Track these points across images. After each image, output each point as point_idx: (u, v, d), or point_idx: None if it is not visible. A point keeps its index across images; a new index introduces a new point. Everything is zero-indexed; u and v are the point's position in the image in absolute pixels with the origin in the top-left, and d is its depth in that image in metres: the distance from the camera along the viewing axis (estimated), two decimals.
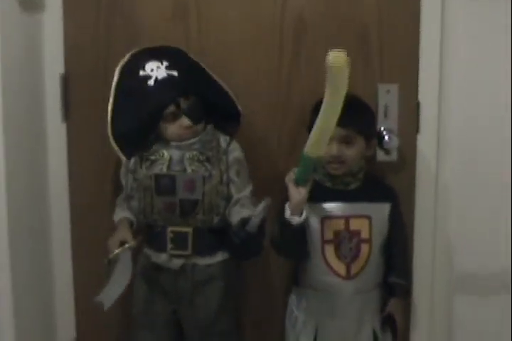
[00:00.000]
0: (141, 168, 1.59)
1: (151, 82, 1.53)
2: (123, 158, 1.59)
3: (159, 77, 1.53)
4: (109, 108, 1.58)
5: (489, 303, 1.83)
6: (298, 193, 1.50)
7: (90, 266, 1.88)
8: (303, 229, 1.56)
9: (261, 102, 1.70)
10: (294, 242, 1.58)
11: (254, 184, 1.66)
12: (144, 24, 1.77)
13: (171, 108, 1.54)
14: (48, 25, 1.76)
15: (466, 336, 1.87)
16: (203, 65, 1.64)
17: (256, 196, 1.62)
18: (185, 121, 1.55)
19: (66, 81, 1.79)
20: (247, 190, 1.64)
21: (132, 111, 1.57)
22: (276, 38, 1.78)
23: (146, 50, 1.62)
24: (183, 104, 1.54)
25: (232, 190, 1.61)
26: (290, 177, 1.52)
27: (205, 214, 1.59)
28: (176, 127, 1.56)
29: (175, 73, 1.54)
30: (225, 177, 1.61)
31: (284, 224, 1.54)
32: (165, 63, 1.55)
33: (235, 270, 1.74)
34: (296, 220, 1.52)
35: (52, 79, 1.78)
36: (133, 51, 1.61)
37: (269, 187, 1.74)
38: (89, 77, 1.79)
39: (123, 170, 1.66)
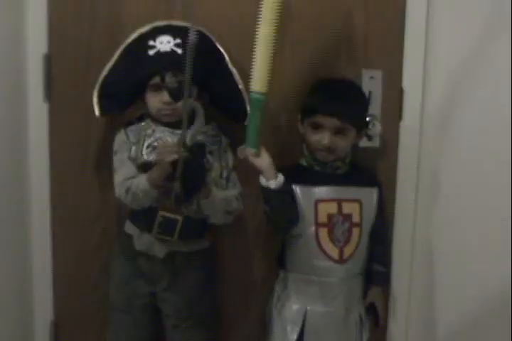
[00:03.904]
0: (141, 154, 1.58)
1: (151, 52, 1.55)
2: (97, 112, 1.62)
3: (161, 50, 1.55)
4: (107, 66, 1.61)
5: (468, 293, 1.82)
6: (261, 159, 1.51)
7: (69, 248, 1.87)
8: (286, 190, 1.56)
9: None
10: (285, 206, 1.57)
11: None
12: (128, 4, 1.77)
13: (156, 79, 1.55)
14: (31, 4, 1.75)
15: (444, 325, 1.86)
16: (226, 57, 1.65)
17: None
18: (165, 95, 1.55)
19: (49, 61, 1.78)
20: (231, 192, 1.62)
21: (124, 74, 1.60)
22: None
23: (170, 25, 1.62)
24: (169, 78, 1.54)
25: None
26: (242, 150, 1.52)
27: (199, 206, 1.57)
28: (157, 100, 1.57)
29: (179, 51, 1.54)
30: (225, 172, 1.62)
31: (266, 192, 1.54)
32: (177, 40, 1.55)
33: (215, 257, 1.75)
34: (274, 184, 1.52)
35: (36, 59, 1.77)
36: (157, 23, 1.62)
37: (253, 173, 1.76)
38: (72, 57, 1.78)
39: (121, 157, 1.61)
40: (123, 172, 1.57)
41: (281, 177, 1.53)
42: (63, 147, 1.82)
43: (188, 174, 1.47)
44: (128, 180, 1.55)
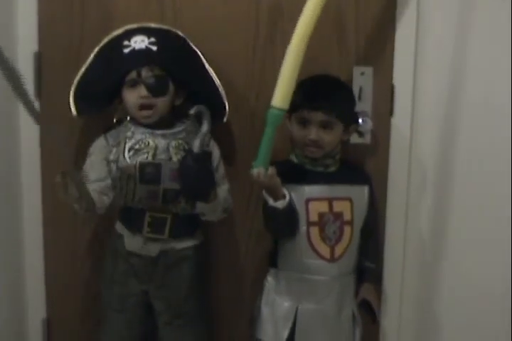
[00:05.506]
0: (124, 157, 1.58)
1: (126, 51, 1.56)
2: (74, 112, 1.63)
3: (136, 48, 1.56)
4: (83, 67, 1.62)
5: (461, 289, 1.83)
6: (271, 180, 1.49)
7: (61, 246, 1.88)
8: (292, 207, 1.56)
9: (234, 84, 1.69)
10: (289, 223, 1.58)
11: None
12: (118, 2, 1.77)
13: (132, 75, 1.56)
14: (21, 2, 1.76)
15: (436, 321, 1.86)
16: (202, 56, 1.65)
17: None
18: (142, 90, 1.55)
19: (39, 59, 1.78)
20: (223, 187, 1.64)
21: (100, 73, 1.61)
22: (252, 20, 1.78)
23: (143, 26, 1.63)
24: (145, 73, 1.55)
25: None
26: (254, 172, 1.48)
27: (188, 203, 1.59)
28: (134, 96, 1.57)
29: (154, 48, 1.55)
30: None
31: (272, 211, 1.53)
32: (151, 39, 1.57)
33: (206, 252, 1.75)
34: (281, 204, 1.52)
35: (26, 58, 1.77)
36: (130, 26, 1.62)
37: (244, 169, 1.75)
38: (62, 55, 1.79)
39: (93, 160, 1.62)
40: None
41: (288, 196, 1.53)
42: (54, 145, 1.81)
43: (196, 182, 1.49)
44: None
